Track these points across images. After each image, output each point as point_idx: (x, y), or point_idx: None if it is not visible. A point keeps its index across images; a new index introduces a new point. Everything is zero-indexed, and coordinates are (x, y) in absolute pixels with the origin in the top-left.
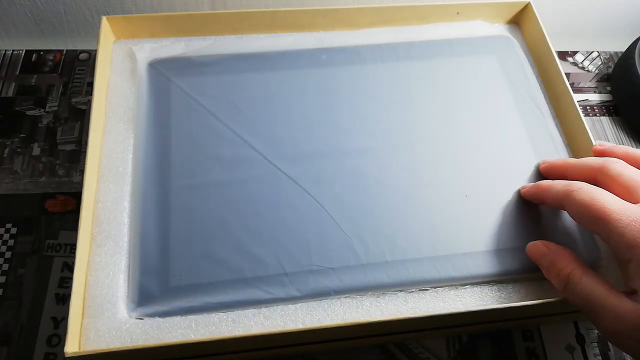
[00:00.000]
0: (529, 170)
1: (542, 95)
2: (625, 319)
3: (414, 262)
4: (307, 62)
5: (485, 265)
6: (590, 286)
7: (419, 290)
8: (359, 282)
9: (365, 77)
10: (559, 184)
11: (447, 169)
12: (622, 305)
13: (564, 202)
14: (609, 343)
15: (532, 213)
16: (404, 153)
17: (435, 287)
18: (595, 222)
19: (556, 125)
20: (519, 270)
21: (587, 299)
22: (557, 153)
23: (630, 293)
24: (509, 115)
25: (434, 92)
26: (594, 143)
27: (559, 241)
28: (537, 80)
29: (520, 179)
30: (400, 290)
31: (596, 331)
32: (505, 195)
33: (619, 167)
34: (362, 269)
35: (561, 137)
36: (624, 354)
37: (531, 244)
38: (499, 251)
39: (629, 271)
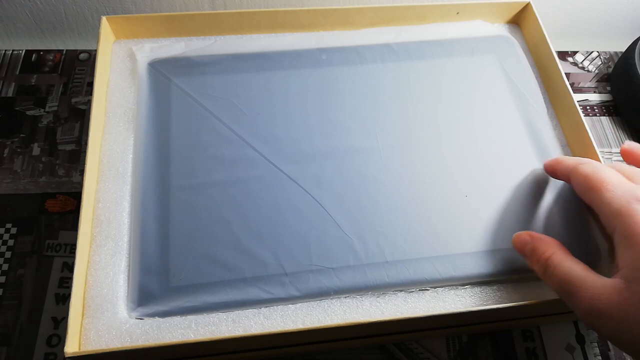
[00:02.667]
0: (528, 170)
1: (541, 95)
2: (603, 294)
3: (414, 262)
4: (308, 62)
5: (485, 265)
6: (569, 267)
7: (419, 290)
8: (359, 282)
9: (366, 77)
10: (570, 159)
11: (447, 168)
12: (600, 281)
13: (570, 174)
14: (610, 344)
15: (532, 213)
16: (404, 153)
17: (435, 287)
18: (590, 192)
19: (556, 125)
20: (518, 270)
21: (565, 279)
22: (556, 153)
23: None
24: (508, 115)
25: (434, 92)
26: (594, 143)
27: (560, 241)
28: (537, 80)
29: (520, 178)
30: (400, 290)
31: None
32: (505, 195)
33: (585, 169)
34: (362, 269)
35: (561, 137)
36: (624, 354)
37: (515, 234)
38: (499, 251)
39: (614, 243)
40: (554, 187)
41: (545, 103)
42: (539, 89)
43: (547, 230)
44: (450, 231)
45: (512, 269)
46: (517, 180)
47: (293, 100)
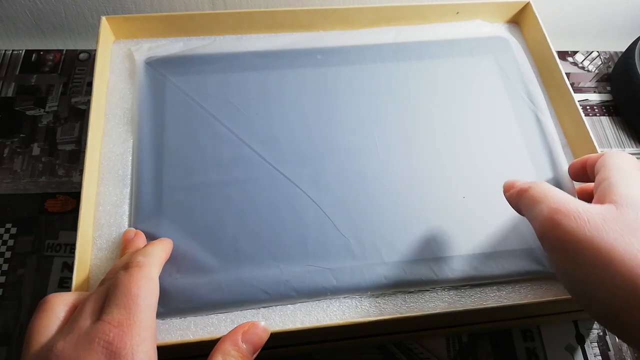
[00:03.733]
0: (527, 171)
1: (541, 96)
2: (587, 208)
3: (411, 263)
4: (305, 61)
5: (482, 268)
6: (544, 185)
7: (418, 290)
8: (356, 283)
9: (364, 77)
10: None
11: (445, 170)
12: (578, 201)
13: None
14: (608, 342)
15: None
16: (402, 154)
17: (433, 288)
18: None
19: (556, 125)
20: (515, 273)
21: (536, 193)
22: (555, 153)
23: None
24: (506, 116)
25: (433, 92)
26: (594, 143)
27: None
28: (537, 80)
29: (519, 179)
30: (400, 291)
31: (596, 331)
32: (503, 197)
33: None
34: (360, 270)
35: (561, 137)
36: (624, 353)
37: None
38: (497, 253)
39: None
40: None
41: (544, 103)
42: (538, 89)
43: None
44: (447, 233)
45: (510, 271)
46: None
47: (291, 100)
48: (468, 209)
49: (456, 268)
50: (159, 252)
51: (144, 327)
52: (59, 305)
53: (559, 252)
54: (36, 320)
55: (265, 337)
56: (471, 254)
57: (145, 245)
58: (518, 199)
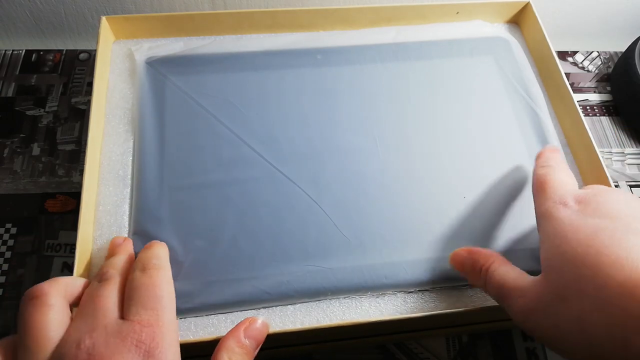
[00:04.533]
0: (527, 171)
1: (541, 96)
2: (529, 291)
3: (412, 263)
4: (305, 61)
5: None
6: (505, 273)
7: (418, 290)
8: (357, 283)
9: (364, 77)
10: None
11: (446, 169)
12: (529, 280)
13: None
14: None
15: (531, 215)
16: (402, 154)
17: (433, 288)
18: (535, 194)
19: (556, 125)
20: None
21: (501, 285)
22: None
23: None
24: (506, 116)
25: (432, 93)
26: (594, 143)
27: None
28: (537, 80)
29: (520, 179)
30: (400, 291)
31: None
32: (503, 196)
33: (539, 171)
34: (360, 270)
35: (561, 137)
36: None
37: (453, 253)
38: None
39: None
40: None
41: (544, 103)
42: (538, 89)
43: None
44: (448, 232)
45: None
46: (516, 181)
47: (291, 100)
48: (468, 209)
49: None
50: (166, 255)
51: (172, 329)
52: (56, 298)
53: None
54: (37, 315)
55: (265, 331)
56: None
57: (147, 247)
58: (485, 287)
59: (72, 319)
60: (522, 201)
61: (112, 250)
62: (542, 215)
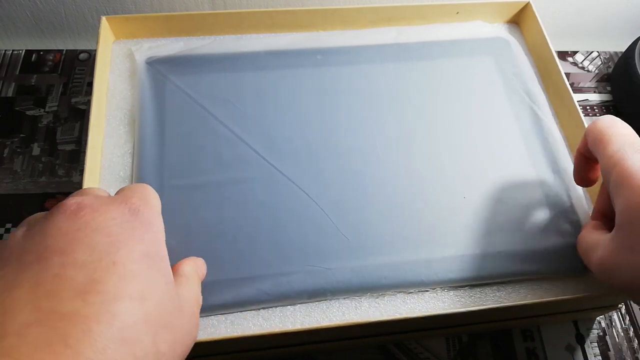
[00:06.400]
0: (528, 171)
1: (542, 95)
2: (606, 247)
3: (411, 263)
4: (304, 61)
5: (484, 267)
6: (587, 233)
7: (418, 291)
8: (356, 283)
9: (364, 77)
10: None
11: (446, 170)
12: (605, 236)
13: (587, 131)
14: (609, 342)
15: (531, 216)
16: (402, 154)
17: (434, 289)
18: (597, 146)
19: (556, 124)
20: (517, 273)
21: (584, 246)
22: (556, 153)
23: None
24: (507, 116)
25: (432, 93)
26: None
27: (557, 243)
28: (537, 80)
29: (520, 179)
30: (399, 292)
31: (596, 331)
32: (504, 196)
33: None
34: (360, 270)
35: (561, 137)
36: (624, 353)
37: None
38: (497, 254)
39: (609, 190)
40: (553, 190)
41: (546, 103)
42: (539, 89)
43: (546, 233)
44: (448, 233)
45: (511, 271)
46: (517, 181)
47: (291, 100)
48: (468, 209)
49: (456, 268)
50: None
51: (157, 212)
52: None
53: None
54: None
55: (203, 269)
56: (472, 254)
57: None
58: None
59: None
60: (523, 202)
61: None
62: (612, 165)
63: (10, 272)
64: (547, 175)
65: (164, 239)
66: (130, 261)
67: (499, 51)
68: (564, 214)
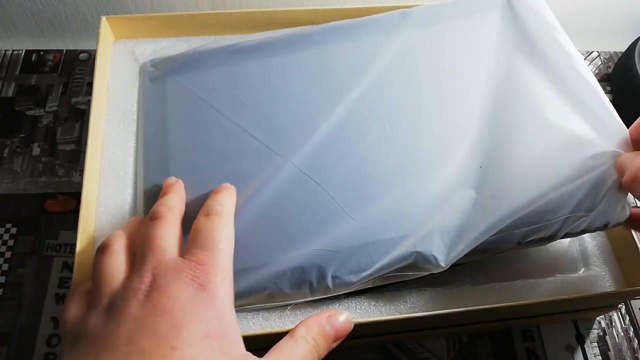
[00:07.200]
0: (553, 136)
1: (569, 42)
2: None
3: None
4: (305, 44)
5: (494, 242)
6: None
7: (418, 289)
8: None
9: (366, 51)
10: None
11: (459, 141)
12: None
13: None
14: (609, 342)
15: (557, 181)
16: (411, 129)
17: (434, 288)
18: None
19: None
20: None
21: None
22: (601, 104)
23: None
24: (527, 76)
25: (442, 62)
26: None
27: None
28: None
29: (542, 146)
30: (403, 280)
31: (596, 331)
32: (524, 164)
33: None
34: (367, 250)
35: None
36: (624, 353)
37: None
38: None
39: None
40: (584, 158)
41: (576, 50)
42: (565, 35)
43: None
44: (461, 209)
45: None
46: (537, 147)
47: (295, 86)
48: (483, 179)
49: (466, 241)
50: (231, 201)
51: (225, 269)
52: (119, 245)
53: None
54: (104, 260)
55: (348, 327)
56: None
57: (214, 192)
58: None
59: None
60: (547, 160)
61: (164, 190)
62: None
63: (80, 355)
64: (600, 129)
65: (231, 306)
66: (188, 344)
67: (504, 9)
68: (592, 186)
